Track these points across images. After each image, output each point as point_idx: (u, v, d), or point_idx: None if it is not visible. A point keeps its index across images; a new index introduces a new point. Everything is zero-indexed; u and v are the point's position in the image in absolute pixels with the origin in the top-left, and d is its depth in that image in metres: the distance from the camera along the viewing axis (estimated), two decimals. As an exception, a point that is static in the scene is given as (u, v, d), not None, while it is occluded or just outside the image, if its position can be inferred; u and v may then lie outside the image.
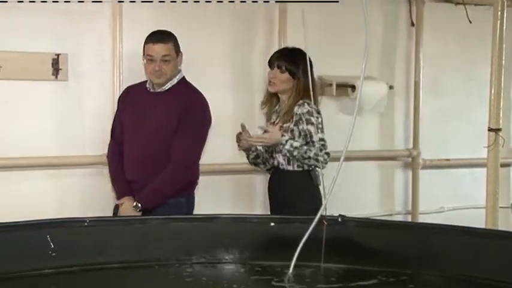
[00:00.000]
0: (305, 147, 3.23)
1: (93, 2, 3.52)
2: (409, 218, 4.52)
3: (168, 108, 3.20)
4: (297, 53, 3.39)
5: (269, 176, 3.51)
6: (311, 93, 3.16)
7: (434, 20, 4.43)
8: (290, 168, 3.33)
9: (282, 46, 3.97)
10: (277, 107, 3.44)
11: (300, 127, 3.27)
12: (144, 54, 3.21)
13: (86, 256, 2.28)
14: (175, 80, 3.24)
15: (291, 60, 3.37)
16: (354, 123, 2.19)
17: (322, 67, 4.09)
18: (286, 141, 3.23)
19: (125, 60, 3.62)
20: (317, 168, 3.28)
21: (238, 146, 3.41)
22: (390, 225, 2.69)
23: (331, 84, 4.13)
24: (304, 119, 3.26)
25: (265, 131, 3.30)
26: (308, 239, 2.21)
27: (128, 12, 3.61)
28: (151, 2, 3.64)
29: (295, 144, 3.23)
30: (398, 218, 4.49)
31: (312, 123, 3.25)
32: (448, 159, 4.60)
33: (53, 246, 2.25)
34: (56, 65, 3.44)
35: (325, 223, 2.34)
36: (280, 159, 3.35)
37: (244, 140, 3.32)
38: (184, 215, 3.11)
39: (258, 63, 3.99)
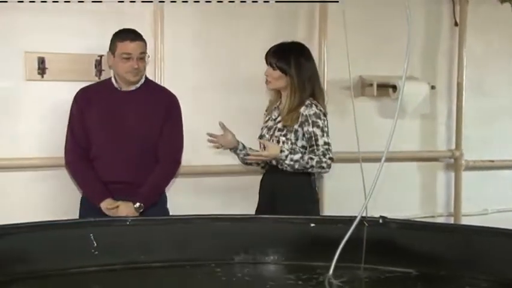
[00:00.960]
0: (306, 158, 3.09)
1: (131, 1, 3.56)
2: (451, 221, 4.46)
3: (147, 106, 3.20)
4: (290, 49, 3.24)
5: (263, 173, 3.37)
6: (304, 93, 3.13)
7: (479, 18, 4.36)
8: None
9: (323, 47, 3.97)
10: (278, 103, 3.30)
11: (305, 128, 3.14)
12: (114, 52, 3.15)
13: (128, 255, 2.31)
14: (143, 78, 3.25)
15: (281, 56, 3.19)
16: (395, 124, 2.17)
17: (363, 67, 4.08)
18: (286, 156, 3.09)
19: (166, 61, 3.65)
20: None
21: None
22: (432, 227, 2.65)
23: (371, 84, 4.10)
24: (310, 121, 3.13)
25: (264, 147, 3.14)
26: (348, 240, 2.19)
27: (168, 12, 3.64)
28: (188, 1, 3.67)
29: (295, 157, 3.09)
30: (440, 220, 4.43)
31: (318, 126, 3.13)
32: (492, 161, 4.52)
33: (95, 244, 2.29)
34: (98, 66, 3.49)
35: (366, 224, 2.33)
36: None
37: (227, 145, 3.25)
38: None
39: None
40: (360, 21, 4.00)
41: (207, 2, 3.69)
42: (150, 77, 3.55)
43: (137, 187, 3.16)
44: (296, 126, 3.15)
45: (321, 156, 3.11)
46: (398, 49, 3.78)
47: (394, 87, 4.07)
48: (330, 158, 3.13)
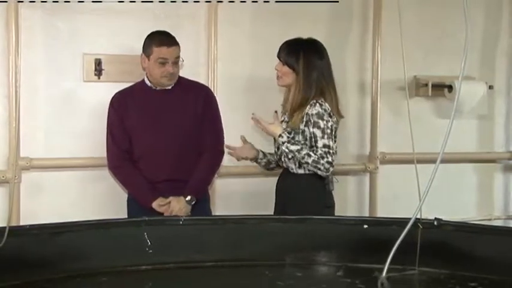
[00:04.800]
0: (303, 153, 2.98)
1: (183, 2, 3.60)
2: (509, 224, 4.35)
3: (185, 102, 3.22)
4: (302, 45, 3.10)
5: (279, 175, 3.27)
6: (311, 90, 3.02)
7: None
8: (301, 171, 3.09)
9: (377, 46, 3.93)
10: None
11: (309, 128, 3.02)
12: (149, 55, 3.15)
13: (181, 254, 2.33)
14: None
15: (290, 51, 3.09)
16: (451, 124, 2.13)
17: (418, 66, 4.03)
18: (283, 142, 3.02)
19: (220, 62, 3.68)
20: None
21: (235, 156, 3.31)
22: (488, 230, 2.59)
23: (426, 84, 4.04)
24: (312, 121, 3.00)
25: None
26: (403, 242, 2.16)
27: (222, 13, 3.66)
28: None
29: (292, 148, 3.00)
30: (498, 223, 4.33)
31: (319, 127, 2.98)
32: (552, 162, 4.40)
33: (149, 243, 2.32)
34: (153, 67, 3.54)
35: (420, 226, 2.30)
36: (289, 163, 3.13)
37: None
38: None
39: (351, 62, 3.97)
40: (414, 20, 3.94)
41: (265, 2, 3.70)
42: (203, 78, 3.59)
43: (183, 183, 3.17)
44: (302, 127, 3.05)
45: (320, 158, 2.98)
46: (454, 48, 3.76)
47: (450, 87, 4.01)
48: (328, 162, 2.98)
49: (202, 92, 3.32)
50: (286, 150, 3.03)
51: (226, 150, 3.32)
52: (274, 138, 3.15)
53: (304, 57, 3.07)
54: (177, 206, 3.11)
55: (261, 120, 3.12)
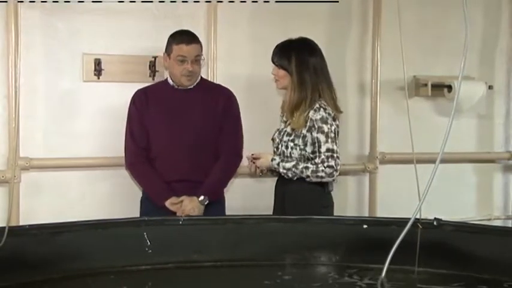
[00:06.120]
0: (300, 167, 2.99)
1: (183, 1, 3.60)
2: (509, 224, 4.35)
3: (206, 103, 3.21)
4: (292, 45, 3.11)
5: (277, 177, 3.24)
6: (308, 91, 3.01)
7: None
8: None
9: (377, 46, 3.93)
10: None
11: (312, 134, 3.01)
12: (169, 54, 3.16)
13: (180, 254, 2.34)
14: (199, 77, 3.27)
15: (282, 54, 3.10)
16: (450, 124, 2.13)
17: (417, 67, 4.03)
18: (278, 164, 3.04)
19: (219, 62, 3.68)
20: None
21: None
22: (488, 230, 2.60)
23: (426, 85, 4.04)
24: (316, 126, 2.99)
25: (255, 158, 3.15)
26: (402, 242, 2.16)
27: (222, 13, 3.66)
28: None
29: (287, 165, 3.01)
30: (498, 223, 4.33)
31: (323, 132, 2.98)
32: (551, 162, 4.40)
33: (149, 243, 2.32)
34: (152, 67, 3.54)
35: (420, 226, 2.30)
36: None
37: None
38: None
39: (351, 62, 3.96)
40: (414, 20, 3.95)
41: (265, 2, 3.70)
42: (203, 77, 3.59)
43: (198, 184, 3.16)
44: (304, 131, 3.04)
45: (319, 164, 2.97)
46: (454, 48, 3.77)
47: (449, 87, 4.01)
48: (330, 166, 2.96)
49: (224, 94, 3.30)
50: (284, 170, 3.03)
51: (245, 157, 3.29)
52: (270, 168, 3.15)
53: (296, 58, 3.07)
54: (189, 205, 3.08)
55: (250, 163, 3.18)
